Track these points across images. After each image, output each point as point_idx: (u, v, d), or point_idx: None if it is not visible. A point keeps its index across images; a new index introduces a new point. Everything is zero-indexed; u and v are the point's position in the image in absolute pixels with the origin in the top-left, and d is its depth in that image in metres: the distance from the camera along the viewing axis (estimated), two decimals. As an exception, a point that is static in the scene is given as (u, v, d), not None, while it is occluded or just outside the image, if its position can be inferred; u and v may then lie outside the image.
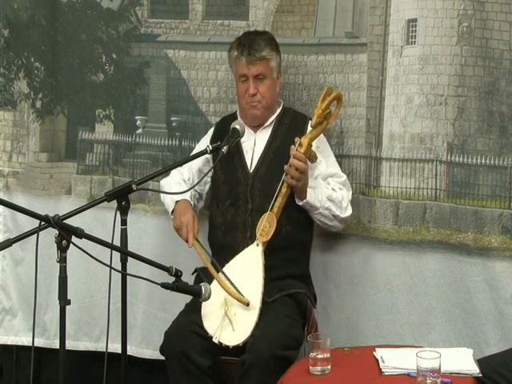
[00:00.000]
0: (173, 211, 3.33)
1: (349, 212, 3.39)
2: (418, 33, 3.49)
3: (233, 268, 3.17)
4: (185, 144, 3.87)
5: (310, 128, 3.34)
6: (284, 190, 3.22)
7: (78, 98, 4.01)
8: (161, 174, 3.21)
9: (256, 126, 3.43)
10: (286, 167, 3.19)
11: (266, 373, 2.92)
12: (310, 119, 3.39)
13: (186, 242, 3.21)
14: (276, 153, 3.36)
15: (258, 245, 3.20)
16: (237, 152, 3.38)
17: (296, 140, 3.21)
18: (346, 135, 3.61)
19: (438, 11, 3.45)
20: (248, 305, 3.03)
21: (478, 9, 3.40)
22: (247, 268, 3.16)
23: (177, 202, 3.32)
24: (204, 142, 3.48)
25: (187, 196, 3.32)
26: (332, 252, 3.64)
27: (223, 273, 3.11)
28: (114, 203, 2.86)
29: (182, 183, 3.42)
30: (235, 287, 3.06)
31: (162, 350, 3.12)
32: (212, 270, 3.11)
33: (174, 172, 3.46)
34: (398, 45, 3.53)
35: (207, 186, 3.49)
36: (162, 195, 3.52)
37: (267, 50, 3.33)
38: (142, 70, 3.92)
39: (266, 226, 3.20)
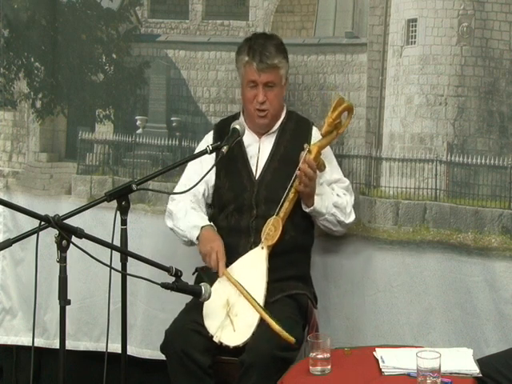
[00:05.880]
0: (198, 237, 3.26)
1: (352, 217, 3.40)
2: (417, 33, 3.49)
3: (237, 270, 3.17)
4: (185, 144, 3.87)
5: (314, 134, 3.35)
6: (291, 195, 3.22)
7: (78, 97, 4.01)
8: (161, 173, 3.20)
9: (261, 132, 3.43)
10: (297, 172, 3.18)
11: (265, 373, 2.92)
12: (313, 124, 3.39)
13: (212, 268, 3.17)
14: (281, 160, 3.35)
15: (262, 248, 3.20)
16: (241, 158, 3.37)
17: (305, 146, 3.20)
18: (346, 135, 3.61)
19: (438, 11, 3.45)
20: (295, 343, 2.94)
21: (478, 9, 3.40)
22: (251, 270, 3.15)
23: (202, 227, 3.26)
24: (204, 146, 3.45)
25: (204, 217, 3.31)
26: (332, 252, 3.64)
27: (259, 305, 3.03)
28: (114, 203, 2.85)
29: (195, 207, 3.37)
30: (273, 319, 2.97)
31: (163, 348, 3.12)
32: (252, 301, 3.04)
33: (182, 198, 3.36)
34: (397, 45, 3.53)
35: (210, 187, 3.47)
36: (173, 224, 3.40)
37: (279, 58, 3.29)
38: (142, 70, 3.92)
39: (272, 229, 3.19)
